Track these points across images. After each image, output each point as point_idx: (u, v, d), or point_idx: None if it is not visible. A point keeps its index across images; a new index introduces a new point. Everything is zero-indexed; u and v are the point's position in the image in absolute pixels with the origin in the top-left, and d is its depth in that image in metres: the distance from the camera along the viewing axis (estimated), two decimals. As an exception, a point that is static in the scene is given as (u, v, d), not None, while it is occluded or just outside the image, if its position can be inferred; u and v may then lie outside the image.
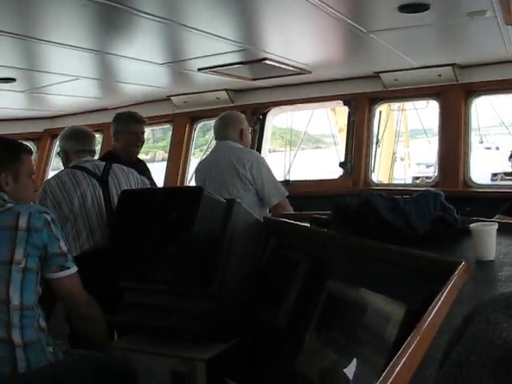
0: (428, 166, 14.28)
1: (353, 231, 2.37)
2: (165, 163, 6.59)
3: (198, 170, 4.29)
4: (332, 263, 2.42)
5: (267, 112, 6.01)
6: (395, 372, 1.06)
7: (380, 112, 5.63)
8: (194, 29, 3.27)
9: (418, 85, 5.07)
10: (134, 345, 2.86)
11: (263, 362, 2.61)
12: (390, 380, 1.06)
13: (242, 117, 4.31)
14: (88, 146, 3.71)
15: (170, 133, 6.60)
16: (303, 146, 11.56)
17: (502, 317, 0.53)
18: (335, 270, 2.38)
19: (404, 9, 2.90)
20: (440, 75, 4.85)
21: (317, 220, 2.77)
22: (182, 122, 6.30)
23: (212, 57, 4.18)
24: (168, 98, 6.11)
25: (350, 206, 2.38)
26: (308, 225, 2.84)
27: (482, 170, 5.05)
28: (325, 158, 12.84)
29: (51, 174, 6.94)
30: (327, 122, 9.06)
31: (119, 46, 3.77)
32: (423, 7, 2.89)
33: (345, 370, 2.08)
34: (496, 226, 1.92)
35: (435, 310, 1.31)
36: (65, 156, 3.66)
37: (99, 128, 6.67)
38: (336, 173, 5.80)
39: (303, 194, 5.27)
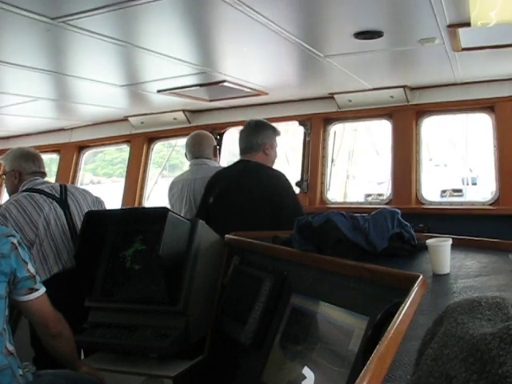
0: (379, 184, 14.58)
1: (315, 248, 2.46)
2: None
3: (177, 190, 4.26)
4: (295, 279, 2.50)
5: (224, 132, 6.10)
6: (367, 378, 1.14)
7: (335, 132, 5.78)
8: (152, 51, 3.33)
9: (371, 106, 5.25)
10: (101, 364, 2.87)
11: (229, 377, 2.66)
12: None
13: (212, 136, 4.43)
14: (43, 168, 3.72)
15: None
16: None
17: (467, 318, 0.63)
18: (298, 285, 2.46)
19: (359, 35, 3.05)
20: (392, 96, 5.04)
21: (279, 238, 2.85)
22: (140, 143, 6.33)
23: (171, 79, 4.25)
24: (125, 119, 6.14)
25: (312, 223, 2.48)
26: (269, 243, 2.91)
27: (431, 186, 5.24)
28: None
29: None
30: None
31: (76, 67, 3.77)
32: (377, 34, 3.04)
33: (310, 382, 2.15)
34: (450, 242, 2.05)
35: (399, 319, 1.41)
36: (17, 177, 3.63)
37: (56, 149, 6.66)
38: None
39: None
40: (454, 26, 2.94)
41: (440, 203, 5.74)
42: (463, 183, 13.64)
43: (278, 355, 2.39)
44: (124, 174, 6.36)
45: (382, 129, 5.46)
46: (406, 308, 1.49)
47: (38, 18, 2.55)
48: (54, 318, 2.48)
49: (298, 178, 5.72)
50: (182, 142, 6.82)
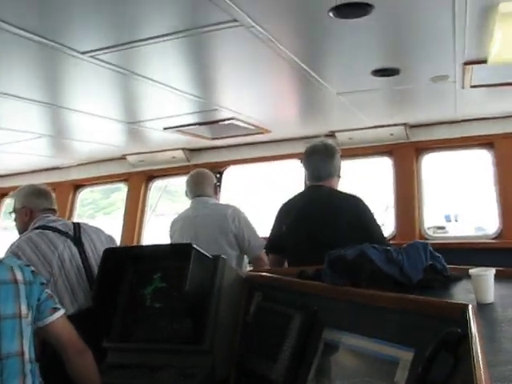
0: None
1: (348, 281, 2.45)
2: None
3: (178, 228, 4.22)
4: (326, 314, 2.48)
5: (223, 170, 6.12)
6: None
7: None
8: (159, 83, 3.28)
9: (371, 143, 5.32)
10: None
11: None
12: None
13: (212, 174, 4.42)
14: (54, 205, 3.68)
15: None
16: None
17: None
18: (330, 319, 2.44)
19: (377, 73, 3.11)
20: (392, 134, 5.12)
21: (305, 273, 2.84)
22: (138, 181, 6.32)
23: (178, 117, 4.28)
24: (123, 157, 6.13)
25: (346, 257, 2.48)
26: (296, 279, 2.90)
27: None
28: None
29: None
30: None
31: (77, 100, 3.73)
32: (395, 72, 3.11)
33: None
34: (493, 271, 2.07)
35: (476, 347, 1.40)
36: (29, 214, 3.57)
37: (51, 188, 6.60)
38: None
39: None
40: (470, 64, 3.02)
41: (443, 238, 5.80)
42: (447, 220, 13.82)
43: (314, 393, 2.35)
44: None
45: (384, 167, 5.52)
46: (474, 332, 1.49)
47: (56, 47, 2.50)
48: (77, 335, 2.51)
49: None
50: (175, 181, 6.84)
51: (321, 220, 3.34)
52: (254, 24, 2.29)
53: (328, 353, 2.38)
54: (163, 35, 2.42)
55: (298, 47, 2.72)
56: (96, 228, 3.65)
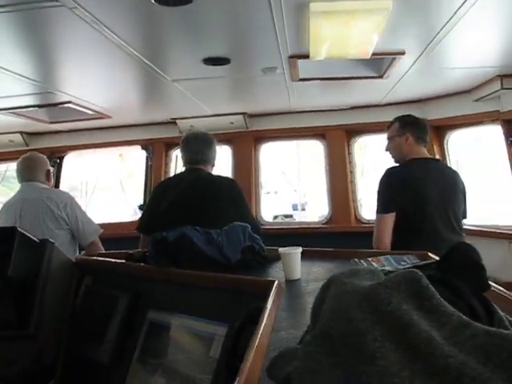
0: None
1: (171, 263, 2.53)
2: None
3: (3, 212, 4.00)
4: (152, 295, 2.54)
5: (64, 156, 5.96)
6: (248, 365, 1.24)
7: (176, 156, 5.90)
8: None
9: (212, 131, 5.43)
10: None
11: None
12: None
13: (46, 158, 4.25)
14: None
15: None
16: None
17: (352, 279, 0.77)
18: (155, 301, 2.50)
19: (208, 61, 3.20)
20: (232, 123, 5.28)
21: (132, 256, 2.87)
22: (-30, 166, 5.98)
23: (11, 98, 4.10)
24: (-48, 140, 5.76)
25: (168, 238, 2.55)
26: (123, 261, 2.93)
27: (265, 212, 5.61)
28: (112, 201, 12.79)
29: None
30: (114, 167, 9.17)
31: None
32: (225, 61, 3.22)
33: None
34: (300, 249, 2.24)
35: (266, 315, 1.53)
36: None
37: None
38: (133, 215, 5.92)
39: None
40: (294, 57, 3.21)
41: (279, 223, 6.07)
42: (294, 209, 14.41)
43: (138, 370, 2.40)
44: None
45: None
46: (269, 306, 1.62)
47: None
48: None
49: (137, 202, 5.75)
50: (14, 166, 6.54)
51: (200, 199, 3.40)
52: (76, 5, 2.27)
53: (152, 332, 2.44)
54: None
55: (126, 32, 2.71)
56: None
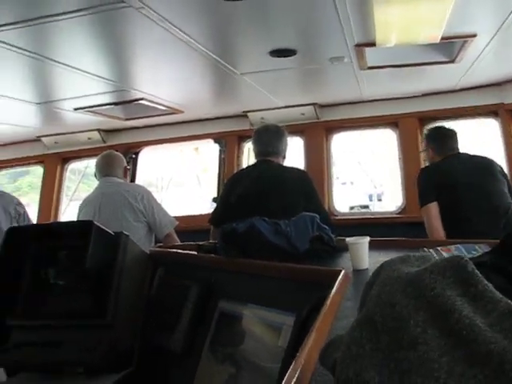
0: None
1: (240, 254, 2.57)
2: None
3: (83, 207, 4.18)
4: (222, 285, 2.59)
5: (139, 151, 6.13)
6: (304, 355, 1.25)
7: (249, 149, 5.95)
8: (68, 66, 3.31)
9: (283, 123, 5.44)
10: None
11: (160, 386, 2.71)
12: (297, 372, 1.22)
13: (123, 156, 4.41)
14: None
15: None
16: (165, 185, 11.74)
17: (400, 266, 0.77)
18: (225, 291, 2.55)
19: (274, 53, 3.22)
20: (303, 114, 5.27)
21: (203, 247, 2.94)
22: (54, 163, 6.24)
23: (88, 97, 4.26)
24: (38, 139, 6.04)
25: (237, 230, 2.59)
26: (195, 253, 3.00)
27: (341, 204, 5.56)
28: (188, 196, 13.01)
29: None
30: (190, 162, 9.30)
31: None
32: (291, 52, 3.22)
33: (243, 382, 2.24)
34: (368, 239, 2.22)
35: (328, 303, 1.54)
36: None
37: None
38: (209, 209, 6.00)
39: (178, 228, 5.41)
40: (361, 46, 3.17)
41: (352, 213, 6.02)
42: (370, 199, 14.24)
43: (209, 359, 2.46)
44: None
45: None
46: (332, 295, 1.63)
47: None
48: None
49: (212, 195, 5.83)
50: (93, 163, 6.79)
51: (270, 190, 3.43)
52: (143, 5, 2.34)
53: (222, 322, 2.50)
54: (63, 13, 2.41)
55: (193, 29, 2.77)
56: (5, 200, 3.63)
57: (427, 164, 3.97)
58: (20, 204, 3.74)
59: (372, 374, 0.64)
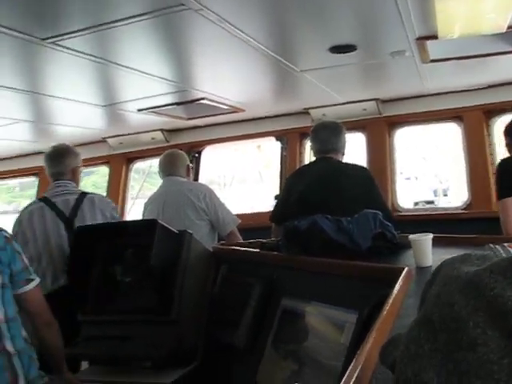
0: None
1: (302, 251, 2.57)
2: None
3: (148, 204, 4.29)
4: (284, 282, 2.60)
5: (202, 150, 6.21)
6: (369, 345, 1.25)
7: (310, 146, 5.92)
8: (131, 69, 3.38)
9: (345, 119, 5.40)
10: (95, 376, 2.93)
11: (224, 381, 2.74)
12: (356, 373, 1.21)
13: (186, 155, 4.48)
14: (69, 166, 3.77)
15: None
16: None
17: (460, 265, 0.76)
18: (288, 288, 2.56)
19: (334, 49, 3.20)
20: (365, 109, 5.22)
21: (266, 245, 2.96)
22: (119, 163, 6.40)
23: (151, 98, 4.35)
24: (103, 140, 6.21)
25: (299, 227, 2.59)
26: (257, 250, 3.02)
27: (404, 199, 5.46)
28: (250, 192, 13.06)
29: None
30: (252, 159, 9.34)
31: (56, 87, 3.79)
32: (351, 48, 3.19)
33: (305, 378, 2.25)
34: (431, 236, 2.18)
35: (391, 301, 1.52)
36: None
37: (34, 172, 6.67)
38: (270, 206, 6.01)
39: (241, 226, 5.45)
40: (422, 39, 3.11)
41: (415, 210, 5.92)
42: (435, 195, 13.95)
43: (272, 356, 2.48)
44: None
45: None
46: (395, 293, 1.61)
47: (27, 38, 2.60)
48: (46, 307, 2.57)
49: (274, 192, 5.83)
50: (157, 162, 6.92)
51: (330, 188, 3.39)
52: (201, 7, 2.37)
53: (285, 319, 2.51)
54: (125, 18, 2.47)
55: (252, 28, 2.78)
56: (99, 203, 3.68)
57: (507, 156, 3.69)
58: (115, 209, 3.85)
59: (431, 374, 0.64)
